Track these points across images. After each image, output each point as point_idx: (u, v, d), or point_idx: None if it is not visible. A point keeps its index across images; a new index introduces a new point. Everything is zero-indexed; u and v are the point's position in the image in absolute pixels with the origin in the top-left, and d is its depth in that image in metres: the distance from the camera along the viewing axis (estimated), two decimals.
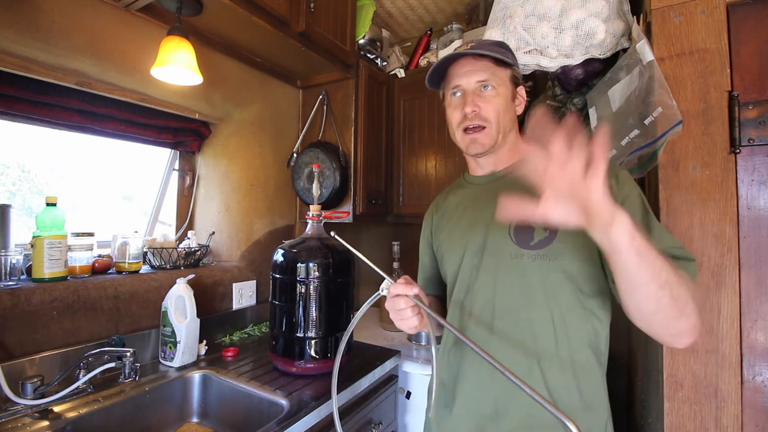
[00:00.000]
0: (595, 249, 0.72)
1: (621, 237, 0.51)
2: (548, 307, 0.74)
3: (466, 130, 0.84)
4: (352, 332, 1.28)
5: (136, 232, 1.29)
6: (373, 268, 0.73)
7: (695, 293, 0.60)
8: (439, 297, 1.01)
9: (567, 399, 0.71)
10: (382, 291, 0.73)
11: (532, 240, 0.75)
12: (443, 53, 1.90)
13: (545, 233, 0.74)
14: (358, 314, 0.75)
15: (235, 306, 1.54)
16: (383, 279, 0.72)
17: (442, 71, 0.88)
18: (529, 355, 0.73)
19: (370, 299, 0.73)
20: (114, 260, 1.27)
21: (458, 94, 0.85)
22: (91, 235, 1.19)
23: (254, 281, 1.63)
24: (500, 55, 0.81)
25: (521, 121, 0.90)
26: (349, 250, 0.79)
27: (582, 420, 0.71)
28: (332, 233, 0.89)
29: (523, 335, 0.74)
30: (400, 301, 0.72)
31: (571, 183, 0.49)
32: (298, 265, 1.17)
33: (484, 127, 0.82)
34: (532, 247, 0.75)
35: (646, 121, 0.91)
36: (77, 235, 1.15)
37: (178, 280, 1.22)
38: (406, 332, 1.73)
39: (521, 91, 0.88)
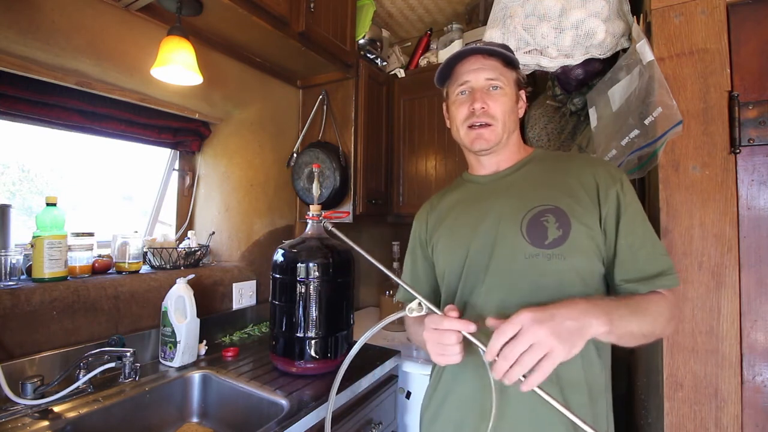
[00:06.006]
0: (599, 248, 0.74)
1: (600, 332, 0.62)
2: None
3: (471, 126, 0.83)
4: (352, 332, 1.29)
5: (136, 232, 1.29)
6: (402, 284, 0.69)
7: (673, 303, 0.72)
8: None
9: (578, 395, 0.72)
10: (411, 312, 0.65)
11: (546, 239, 0.74)
12: (443, 53, 1.90)
13: (559, 232, 0.74)
14: (382, 324, 0.67)
15: (235, 306, 1.54)
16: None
17: (449, 69, 0.88)
18: None
19: (392, 316, 0.66)
20: (114, 260, 1.27)
21: (466, 92, 0.85)
22: (91, 235, 1.19)
23: (254, 281, 1.63)
24: (510, 54, 0.83)
25: (520, 125, 0.91)
26: (365, 257, 0.72)
27: (589, 413, 0.72)
28: (330, 227, 0.80)
29: None
30: (452, 336, 0.65)
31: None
32: (298, 265, 1.17)
33: (490, 125, 0.82)
34: (546, 246, 0.74)
35: (646, 121, 0.91)
36: (77, 235, 1.15)
37: (178, 280, 1.22)
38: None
39: (522, 95, 0.89)
